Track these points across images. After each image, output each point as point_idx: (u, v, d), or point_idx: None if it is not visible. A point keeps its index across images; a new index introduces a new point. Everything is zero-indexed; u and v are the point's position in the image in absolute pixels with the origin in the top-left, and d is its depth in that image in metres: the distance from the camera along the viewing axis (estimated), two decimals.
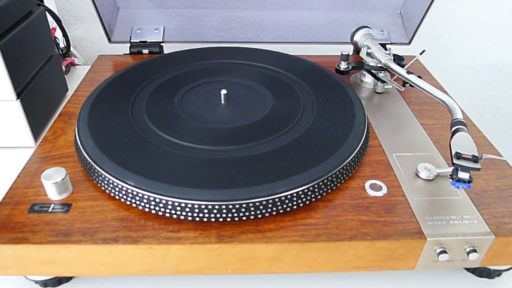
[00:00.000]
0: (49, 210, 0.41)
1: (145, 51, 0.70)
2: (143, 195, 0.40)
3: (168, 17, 0.76)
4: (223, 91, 0.53)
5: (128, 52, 0.70)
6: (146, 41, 0.70)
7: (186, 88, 0.56)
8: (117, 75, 0.58)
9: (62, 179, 0.41)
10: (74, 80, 0.73)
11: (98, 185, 0.43)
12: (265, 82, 0.57)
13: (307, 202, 0.41)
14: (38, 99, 0.64)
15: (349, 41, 0.68)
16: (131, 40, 0.69)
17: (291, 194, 0.40)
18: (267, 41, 0.78)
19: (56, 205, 0.42)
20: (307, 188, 0.41)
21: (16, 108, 0.59)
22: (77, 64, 0.85)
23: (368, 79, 0.63)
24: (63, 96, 0.74)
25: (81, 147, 0.45)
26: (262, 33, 0.80)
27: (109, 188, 0.42)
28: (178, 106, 0.52)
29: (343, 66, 0.63)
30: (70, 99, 0.58)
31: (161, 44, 0.70)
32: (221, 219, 0.39)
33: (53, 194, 0.42)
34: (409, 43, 0.74)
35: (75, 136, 0.48)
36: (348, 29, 0.72)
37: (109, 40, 0.70)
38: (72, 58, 0.83)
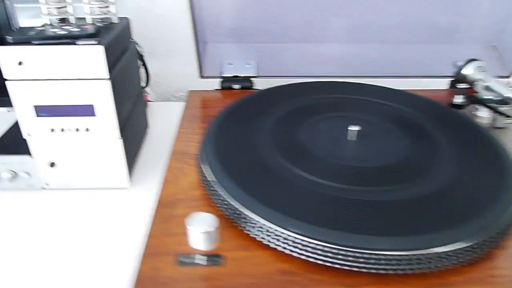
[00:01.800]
0: (200, 263, 0.36)
1: (236, 86, 0.67)
2: (309, 243, 0.35)
3: (250, 51, 0.74)
4: (355, 127, 0.49)
5: (219, 87, 0.67)
6: (237, 76, 0.67)
7: (311, 121, 0.53)
8: (230, 109, 0.54)
9: (216, 228, 0.37)
10: (151, 117, 0.70)
11: (247, 232, 0.38)
12: (395, 121, 0.53)
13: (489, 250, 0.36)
14: (131, 137, 0.61)
15: (443, 75, 0.65)
16: (224, 75, 0.66)
17: (482, 242, 0.35)
18: (353, 75, 0.75)
19: (206, 256, 0.37)
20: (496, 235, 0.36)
21: (117, 147, 0.55)
22: (149, 101, 0.82)
23: (484, 113, 0.59)
24: (145, 133, 0.70)
25: (221, 189, 0.40)
26: (347, 68, 0.77)
27: (264, 236, 0.37)
28: (315, 143, 0.48)
29: (459, 100, 0.59)
30: (178, 137, 0.54)
31: (251, 78, 0.67)
32: (400, 271, 0.34)
33: (201, 244, 0.37)
34: (510, 75, 0.71)
35: (203, 176, 0.44)
36: (440, 62, 0.69)
37: (201, 76, 0.67)
38: (145, 94, 0.80)
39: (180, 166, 0.49)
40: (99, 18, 0.57)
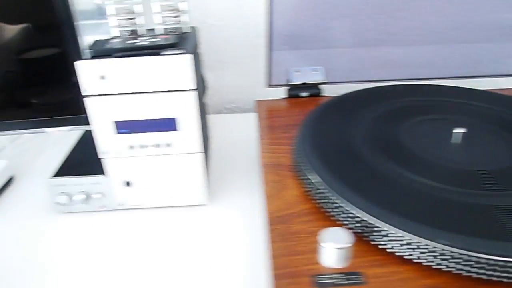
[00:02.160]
0: (341, 282, 0.32)
1: (304, 93, 0.64)
2: (461, 255, 0.32)
3: (309, 57, 0.71)
4: (460, 129, 0.46)
5: (285, 96, 0.64)
6: (305, 83, 0.64)
7: (411, 123, 0.49)
8: (318, 113, 0.51)
9: (352, 243, 0.33)
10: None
11: (382, 246, 0.35)
12: (497, 123, 0.50)
13: None
14: (205, 151, 0.58)
15: None
16: (292, 83, 0.63)
17: None
18: (424, 77, 0.72)
19: (345, 275, 0.33)
20: None
21: (198, 162, 0.52)
22: None
23: None
24: (209, 148, 0.67)
25: (345, 203, 0.37)
26: (415, 70, 0.74)
27: (405, 250, 0.33)
28: (422, 147, 0.45)
29: None
30: (263, 148, 0.51)
31: (319, 85, 0.64)
32: None
33: (335, 261, 0.34)
34: None
35: (312, 189, 0.41)
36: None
37: (269, 84, 0.64)
38: None
39: (278, 179, 0.46)
40: (170, 28, 0.54)
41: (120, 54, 0.45)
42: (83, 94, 0.46)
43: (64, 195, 0.53)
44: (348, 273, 0.33)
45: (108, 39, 0.50)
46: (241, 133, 0.73)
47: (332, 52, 0.76)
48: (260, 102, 0.63)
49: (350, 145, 0.45)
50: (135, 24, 0.54)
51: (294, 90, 0.64)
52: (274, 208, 0.41)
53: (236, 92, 0.84)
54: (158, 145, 0.50)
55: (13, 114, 0.56)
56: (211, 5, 0.76)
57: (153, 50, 0.46)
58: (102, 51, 0.46)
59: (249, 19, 0.77)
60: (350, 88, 0.69)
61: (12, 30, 0.53)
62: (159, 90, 0.47)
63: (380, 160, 0.42)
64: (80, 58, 0.50)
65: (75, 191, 0.53)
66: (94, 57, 0.46)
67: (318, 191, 0.40)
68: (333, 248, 0.33)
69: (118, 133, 0.49)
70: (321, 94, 0.64)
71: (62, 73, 0.54)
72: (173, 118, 0.48)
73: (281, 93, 0.81)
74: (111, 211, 0.55)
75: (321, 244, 0.33)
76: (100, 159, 0.55)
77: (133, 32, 0.54)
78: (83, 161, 0.56)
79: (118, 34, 0.53)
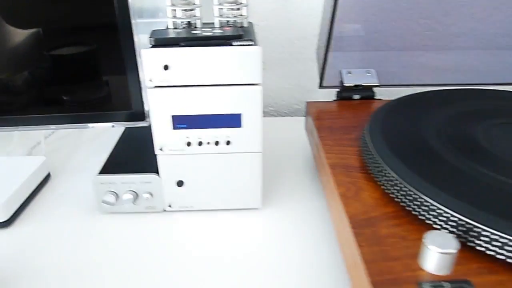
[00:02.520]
0: None
1: (356, 96, 0.61)
2: None
3: (360, 59, 0.69)
4: None
5: (337, 97, 0.61)
6: (359, 85, 0.61)
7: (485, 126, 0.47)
8: (385, 112, 0.49)
9: (459, 247, 0.31)
10: None
11: (490, 253, 0.32)
12: None
13: None
14: None
15: None
16: (345, 84, 0.61)
17: None
18: (481, 82, 0.70)
19: (453, 283, 0.30)
20: None
21: (257, 162, 0.49)
22: None
23: None
24: None
25: (443, 206, 0.34)
26: (470, 75, 0.72)
27: None
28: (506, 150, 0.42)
29: None
30: (326, 149, 0.48)
31: (373, 88, 0.62)
32: None
33: (440, 267, 0.31)
34: None
35: (398, 191, 0.38)
36: None
37: (321, 86, 0.61)
38: None
39: (350, 180, 0.43)
40: (229, 22, 0.52)
41: (186, 43, 0.43)
42: (146, 85, 0.44)
43: (111, 194, 0.50)
44: (456, 281, 0.30)
45: (165, 29, 0.48)
46: (285, 136, 0.71)
47: (376, 55, 0.73)
48: (311, 104, 0.61)
49: (426, 145, 0.42)
50: (193, 16, 0.51)
51: (346, 92, 0.61)
52: (354, 210, 0.38)
53: (275, 96, 0.81)
54: (217, 143, 0.47)
55: (54, 108, 0.54)
56: (255, 4, 0.74)
57: (222, 40, 0.43)
58: (165, 40, 0.44)
59: (292, 21, 0.75)
60: (399, 91, 0.67)
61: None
62: (225, 83, 0.44)
63: (463, 161, 0.40)
64: (133, 55, 0.47)
65: (123, 190, 0.50)
66: (154, 46, 0.43)
67: (404, 192, 0.37)
68: (440, 253, 0.30)
69: (175, 128, 0.46)
70: (374, 97, 0.61)
71: (115, 68, 0.52)
72: (238, 114, 0.45)
73: (321, 97, 0.78)
74: (159, 212, 0.52)
75: (429, 247, 0.30)
76: (146, 157, 0.52)
77: (190, 24, 0.51)
78: (128, 158, 0.53)
79: (172, 26, 0.51)
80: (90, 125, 0.56)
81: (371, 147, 0.43)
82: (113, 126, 0.56)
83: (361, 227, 0.36)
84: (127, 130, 0.61)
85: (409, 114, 0.49)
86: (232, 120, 0.46)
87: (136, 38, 0.50)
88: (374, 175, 0.42)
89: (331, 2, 0.55)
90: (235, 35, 0.44)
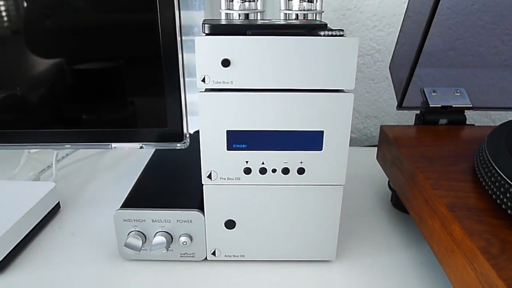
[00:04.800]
0: None
1: (443, 120, 0.49)
2: None
3: (444, 76, 0.57)
4: None
5: (419, 121, 0.49)
6: (448, 107, 0.49)
7: None
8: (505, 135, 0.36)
9: None
10: None
11: None
12: None
13: None
14: None
15: None
16: (431, 105, 0.48)
17: None
18: None
19: None
20: None
21: (337, 199, 0.36)
22: None
23: None
24: None
25: None
26: None
27: None
28: None
29: None
30: (431, 184, 0.35)
31: (465, 110, 0.49)
32: None
33: None
34: None
35: None
36: None
37: (400, 106, 0.49)
38: None
39: (487, 229, 0.29)
40: (298, 15, 0.40)
41: (256, 31, 0.31)
42: (198, 86, 0.32)
43: (137, 236, 0.37)
44: None
45: (220, 19, 0.36)
46: (349, 170, 0.57)
47: (455, 72, 0.62)
48: (387, 128, 0.48)
49: None
50: (252, 9, 0.40)
51: (431, 115, 0.49)
52: (511, 275, 0.24)
53: None
54: (286, 171, 0.34)
55: (76, 125, 0.42)
56: None
57: (304, 30, 0.31)
58: (226, 27, 0.32)
59: (353, 33, 0.64)
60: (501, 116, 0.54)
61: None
62: (306, 88, 0.32)
63: None
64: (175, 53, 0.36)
65: (154, 230, 0.37)
66: (210, 34, 0.32)
67: None
68: None
69: (231, 148, 0.33)
70: (466, 122, 0.49)
71: (147, 68, 0.40)
72: (320, 132, 0.33)
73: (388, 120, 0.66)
74: (199, 262, 0.39)
75: None
76: (184, 187, 0.39)
77: (247, 18, 0.40)
78: (160, 188, 0.41)
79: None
80: (113, 144, 0.44)
81: (508, 180, 0.30)
82: (141, 147, 0.44)
83: None
84: (157, 152, 0.49)
85: None
86: (310, 140, 0.33)
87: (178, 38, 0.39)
88: None
89: (427, 11, 0.43)
90: (320, 24, 0.32)
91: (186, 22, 0.69)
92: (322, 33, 0.31)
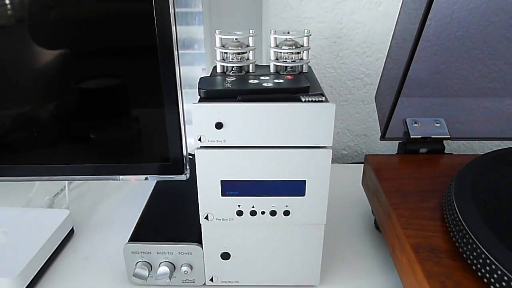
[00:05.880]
0: None
1: (423, 149, 0.53)
2: None
3: (421, 106, 0.61)
4: None
5: (401, 150, 0.53)
6: (428, 137, 0.53)
7: None
8: (472, 178, 0.40)
9: None
10: None
11: None
12: None
13: None
14: None
15: None
16: (412, 136, 0.53)
17: None
18: None
19: None
20: None
21: (319, 235, 0.41)
22: None
23: None
24: None
25: None
26: None
27: None
28: None
29: None
30: (402, 223, 0.40)
31: (444, 141, 0.54)
32: None
33: None
34: None
35: None
36: None
37: (383, 137, 0.53)
38: None
39: (444, 271, 0.34)
40: (287, 67, 0.45)
41: (245, 97, 0.35)
42: (197, 145, 0.36)
43: (144, 266, 0.42)
44: None
45: (215, 77, 0.41)
46: (336, 188, 0.62)
47: (440, 101, 0.66)
48: (371, 158, 0.53)
49: None
50: (245, 59, 0.44)
51: (412, 145, 0.53)
52: None
53: None
54: (273, 213, 0.39)
55: (79, 148, 0.46)
56: None
57: (287, 93, 0.36)
58: (218, 92, 0.36)
59: (344, 59, 0.67)
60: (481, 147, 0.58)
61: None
62: (289, 145, 0.36)
63: None
64: (175, 89, 0.40)
65: (158, 261, 0.43)
66: (204, 99, 0.36)
67: None
68: None
69: (224, 194, 0.38)
70: (444, 151, 0.53)
71: (150, 108, 0.45)
72: (303, 181, 0.37)
73: (374, 144, 0.70)
74: (199, 286, 0.44)
75: None
76: (185, 220, 0.44)
77: (241, 69, 0.44)
78: (163, 221, 0.46)
79: (220, 71, 0.44)
80: (121, 177, 0.49)
81: (467, 227, 0.35)
82: (146, 179, 0.49)
83: None
84: (158, 184, 0.54)
85: (505, 177, 0.41)
86: (294, 188, 0.38)
87: (177, 69, 0.43)
88: (474, 266, 0.33)
89: (410, 43, 0.47)
90: (302, 87, 0.37)
91: (187, 36, 0.73)
92: (303, 98, 0.35)
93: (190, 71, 0.72)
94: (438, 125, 0.55)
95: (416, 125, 0.54)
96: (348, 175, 0.65)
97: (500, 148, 0.52)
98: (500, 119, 0.65)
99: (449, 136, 0.54)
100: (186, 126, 0.45)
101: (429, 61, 0.65)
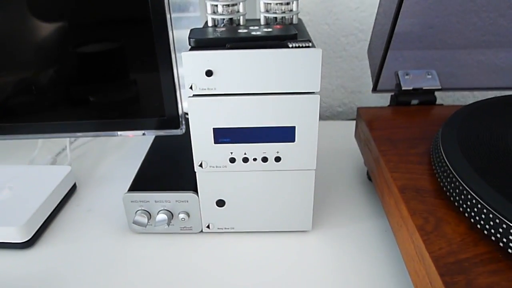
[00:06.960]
0: None
1: (415, 101, 0.54)
2: None
3: (416, 59, 0.62)
4: None
5: (393, 102, 0.54)
6: (419, 89, 0.54)
7: None
8: (458, 125, 0.42)
9: None
10: None
11: None
12: None
13: None
14: None
15: None
16: (403, 88, 0.53)
17: None
18: None
19: None
20: None
21: (309, 181, 0.43)
22: None
23: None
24: None
25: None
26: None
27: None
28: None
29: None
30: (390, 167, 0.41)
31: (435, 92, 0.54)
32: None
33: None
34: None
35: (496, 226, 0.31)
36: None
37: (375, 89, 0.54)
38: None
39: (428, 208, 0.36)
40: (276, 18, 0.45)
41: (233, 44, 0.36)
42: (186, 93, 0.37)
43: (143, 214, 0.44)
44: None
45: (205, 28, 0.41)
46: (330, 143, 0.64)
47: (432, 53, 0.66)
48: (363, 110, 0.54)
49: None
50: (236, 12, 0.45)
51: (404, 97, 0.54)
52: (436, 249, 0.31)
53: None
54: (265, 159, 0.41)
55: (80, 110, 0.48)
56: None
57: (275, 41, 0.37)
58: (208, 41, 0.37)
59: (338, 15, 0.67)
60: (469, 97, 0.59)
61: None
62: (278, 92, 0.37)
63: None
64: (168, 53, 0.41)
65: (157, 209, 0.44)
66: (194, 48, 0.37)
67: (502, 228, 0.30)
68: None
69: (217, 142, 0.40)
70: (436, 103, 0.54)
71: (146, 68, 0.46)
72: (292, 127, 0.39)
73: (368, 100, 0.71)
74: (196, 233, 0.46)
75: None
76: (182, 171, 0.46)
77: (231, 22, 0.45)
78: (161, 172, 0.48)
79: (211, 24, 0.45)
80: (119, 133, 0.50)
81: (451, 167, 0.36)
82: (143, 134, 0.50)
83: (451, 273, 0.29)
84: (158, 137, 0.56)
85: (490, 124, 0.42)
86: (284, 134, 0.39)
87: (171, 33, 0.44)
88: (456, 202, 0.35)
89: None
90: (290, 34, 0.37)
91: None
92: (290, 45, 0.36)
93: (186, 34, 0.73)
94: (430, 76, 0.55)
95: (408, 77, 0.55)
96: (342, 131, 0.66)
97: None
98: (494, 72, 0.66)
99: (440, 87, 0.54)
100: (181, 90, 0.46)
101: (422, 14, 0.65)
